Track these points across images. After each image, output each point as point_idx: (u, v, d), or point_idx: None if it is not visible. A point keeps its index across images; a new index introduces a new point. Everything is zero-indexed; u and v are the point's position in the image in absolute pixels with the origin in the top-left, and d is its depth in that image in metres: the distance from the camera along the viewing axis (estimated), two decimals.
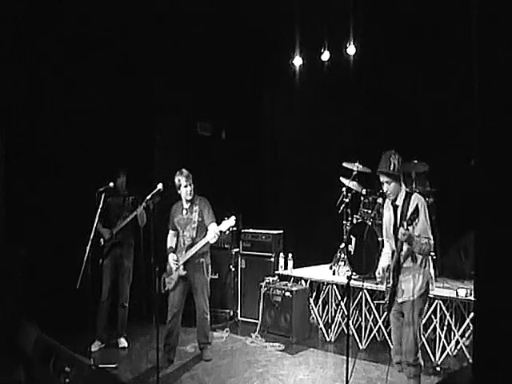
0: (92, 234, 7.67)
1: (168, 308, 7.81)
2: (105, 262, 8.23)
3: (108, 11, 8.84)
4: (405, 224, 5.45)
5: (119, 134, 9.43)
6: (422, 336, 7.60)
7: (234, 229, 10.26)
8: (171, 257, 7.78)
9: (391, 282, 5.70)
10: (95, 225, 7.74)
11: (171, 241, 7.98)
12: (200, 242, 7.57)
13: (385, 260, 5.93)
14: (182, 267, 7.69)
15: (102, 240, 8.15)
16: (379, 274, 5.95)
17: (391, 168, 5.62)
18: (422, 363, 5.85)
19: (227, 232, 7.65)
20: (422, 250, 5.43)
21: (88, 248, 7.49)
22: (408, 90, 9.37)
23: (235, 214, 8.79)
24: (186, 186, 7.66)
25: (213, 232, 7.44)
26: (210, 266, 7.95)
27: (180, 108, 10.73)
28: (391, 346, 6.19)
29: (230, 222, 7.44)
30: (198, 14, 9.76)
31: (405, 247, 5.57)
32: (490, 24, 2.55)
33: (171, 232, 8.00)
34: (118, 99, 9.46)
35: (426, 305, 5.93)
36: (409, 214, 5.46)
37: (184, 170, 7.69)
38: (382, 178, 5.74)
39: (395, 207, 5.71)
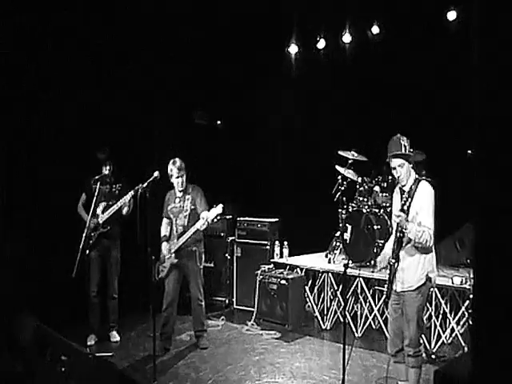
0: (87, 222, 7.68)
1: (163, 297, 7.82)
2: (92, 253, 8.00)
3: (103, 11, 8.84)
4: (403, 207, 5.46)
5: (114, 123, 9.39)
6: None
7: (230, 217, 10.28)
8: (164, 245, 7.80)
9: (390, 269, 5.68)
10: (90, 213, 7.73)
11: (165, 229, 7.99)
12: (190, 230, 7.57)
13: (389, 246, 5.87)
14: (173, 255, 7.70)
15: (88, 230, 7.95)
16: (380, 260, 5.93)
17: (403, 150, 5.56)
18: (424, 355, 5.86)
19: (215, 220, 7.62)
20: (418, 237, 5.36)
21: (83, 237, 7.49)
22: (405, 78, 9.37)
23: (232, 203, 8.81)
24: (177, 177, 7.66)
25: (202, 219, 7.44)
26: (203, 254, 7.95)
27: (176, 96, 10.68)
28: (387, 336, 6.17)
29: (217, 210, 7.43)
30: (198, 14, 9.75)
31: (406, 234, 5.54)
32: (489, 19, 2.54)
33: (165, 220, 8.01)
34: (114, 88, 9.41)
35: (426, 300, 5.84)
36: (413, 200, 5.44)
37: (177, 160, 7.67)
38: (395, 163, 5.59)
39: (402, 192, 5.66)
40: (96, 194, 7.79)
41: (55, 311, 7.50)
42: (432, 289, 5.82)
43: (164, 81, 10.40)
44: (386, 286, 5.78)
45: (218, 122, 12.31)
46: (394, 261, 5.59)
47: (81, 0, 8.70)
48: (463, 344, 7.27)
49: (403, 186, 5.67)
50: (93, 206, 7.78)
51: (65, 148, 8.88)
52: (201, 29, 10.21)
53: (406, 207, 5.40)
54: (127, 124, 9.62)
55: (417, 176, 5.66)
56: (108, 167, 8.03)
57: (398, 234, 5.57)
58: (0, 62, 7.78)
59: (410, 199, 5.43)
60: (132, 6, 9.14)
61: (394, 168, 5.63)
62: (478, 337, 2.72)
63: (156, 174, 7.05)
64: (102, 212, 8.04)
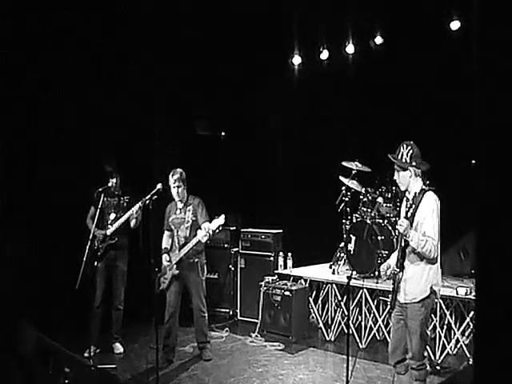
0: (91, 234, 7.67)
1: (165, 308, 7.80)
2: (99, 264, 8.03)
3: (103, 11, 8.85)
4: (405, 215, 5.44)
5: (117, 134, 9.40)
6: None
7: (233, 228, 10.27)
8: (164, 257, 7.80)
9: (394, 279, 5.64)
10: (94, 225, 7.73)
11: (166, 241, 7.99)
12: (192, 241, 7.56)
13: (394, 256, 5.83)
14: (174, 266, 7.68)
15: (96, 242, 8.01)
16: (383, 269, 5.88)
17: (398, 157, 5.56)
18: (429, 368, 5.79)
19: (217, 231, 7.60)
20: (421, 246, 5.31)
21: (87, 248, 7.49)
22: (408, 88, 9.36)
23: (235, 214, 8.80)
24: (174, 187, 7.66)
25: (203, 231, 7.43)
26: (205, 266, 7.94)
27: (178, 107, 10.69)
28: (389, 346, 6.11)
29: (219, 221, 7.42)
30: (198, 14, 9.75)
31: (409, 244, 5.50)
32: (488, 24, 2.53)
33: (166, 232, 8.00)
34: (116, 98, 9.43)
35: (430, 313, 5.78)
36: (418, 210, 5.42)
37: (177, 170, 7.68)
38: (394, 166, 5.67)
39: (407, 200, 5.64)
40: (100, 206, 7.79)
41: (56, 321, 7.50)
42: (436, 300, 5.74)
43: (166, 91, 10.41)
44: (390, 296, 5.74)
45: (222, 133, 12.28)
46: (397, 270, 5.55)
47: (81, 0, 8.69)
48: (468, 355, 7.23)
49: (405, 192, 5.67)
50: (96, 217, 7.78)
51: (65, 148, 8.89)
52: (203, 32, 10.23)
53: (409, 215, 5.38)
54: (130, 135, 9.63)
55: (423, 186, 5.62)
56: (114, 180, 8.05)
57: (402, 244, 5.53)
58: (0, 62, 7.80)
59: (413, 208, 5.40)
60: (132, 5, 9.12)
61: (396, 170, 5.66)
62: (479, 337, 2.70)
63: (159, 186, 7.06)
64: (111, 224, 8.05)
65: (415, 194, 5.50)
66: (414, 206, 5.42)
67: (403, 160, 5.54)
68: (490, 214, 2.55)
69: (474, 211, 2.64)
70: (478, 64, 2.52)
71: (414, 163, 5.53)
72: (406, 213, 5.42)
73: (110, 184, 8.02)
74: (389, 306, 5.99)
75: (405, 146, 5.60)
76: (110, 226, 8.05)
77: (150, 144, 10.32)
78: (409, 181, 5.59)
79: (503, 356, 2.54)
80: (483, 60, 2.55)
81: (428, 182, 8.22)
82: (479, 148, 2.59)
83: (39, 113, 8.63)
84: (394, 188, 8.44)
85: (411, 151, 5.55)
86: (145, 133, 10.16)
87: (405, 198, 5.79)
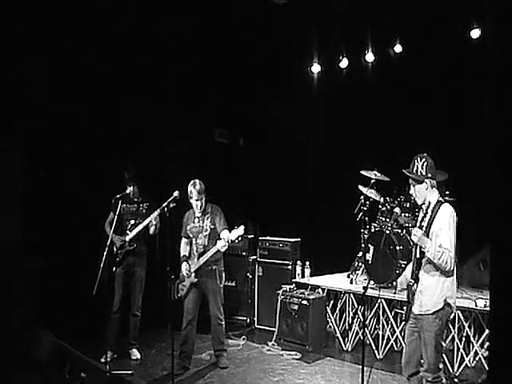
0: (109, 240, 7.69)
1: (183, 315, 7.79)
2: (117, 270, 8.10)
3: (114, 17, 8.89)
4: (424, 227, 5.42)
5: (136, 142, 9.44)
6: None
7: (251, 236, 10.26)
8: (184, 265, 7.81)
9: (409, 291, 5.60)
10: (111, 231, 7.75)
11: (184, 249, 8.00)
12: (211, 250, 7.59)
13: (410, 268, 5.80)
14: (193, 274, 7.69)
15: (114, 248, 8.07)
16: (401, 282, 5.86)
17: (414, 170, 5.54)
18: (444, 380, 5.74)
19: (236, 241, 7.60)
20: (437, 257, 5.28)
21: (105, 255, 7.50)
22: (429, 97, 9.32)
23: (253, 222, 8.78)
24: (196, 200, 7.68)
25: (223, 241, 7.44)
26: (223, 273, 7.94)
27: (197, 114, 10.70)
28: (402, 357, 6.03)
29: (239, 231, 7.44)
30: (219, 24, 9.79)
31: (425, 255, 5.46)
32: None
33: (184, 240, 8.02)
34: (135, 105, 9.46)
35: (445, 325, 5.72)
36: (434, 222, 5.39)
37: (197, 183, 7.68)
38: (409, 180, 5.66)
39: (424, 213, 5.61)
40: (118, 212, 7.81)
41: (73, 326, 7.53)
42: (453, 313, 5.68)
43: (185, 99, 10.43)
44: (404, 307, 5.70)
45: (240, 141, 12.28)
46: (412, 281, 5.52)
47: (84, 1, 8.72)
48: (487, 368, 7.15)
49: (421, 204, 5.65)
50: (114, 223, 7.79)
51: (84, 155, 8.94)
52: (225, 50, 10.27)
53: (425, 226, 5.35)
54: (149, 143, 9.68)
55: (440, 198, 5.58)
56: (131, 188, 8.08)
57: (418, 255, 5.49)
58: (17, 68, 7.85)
59: (429, 219, 5.37)
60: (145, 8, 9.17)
61: (411, 184, 5.64)
62: (495, 362, 2.68)
63: (176, 193, 7.07)
64: (129, 230, 8.08)
65: (431, 204, 5.47)
66: (429, 216, 5.40)
67: (419, 173, 5.52)
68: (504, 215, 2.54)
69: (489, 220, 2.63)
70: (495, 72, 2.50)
71: (429, 175, 5.50)
72: (421, 223, 5.40)
73: (127, 191, 8.05)
74: (404, 317, 5.93)
75: (419, 158, 5.58)
76: (128, 232, 8.09)
77: (168, 151, 10.32)
78: (426, 193, 5.56)
79: None
80: (501, 69, 2.53)
81: (448, 192, 8.22)
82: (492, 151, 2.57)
83: (57, 122, 8.64)
84: (412, 198, 8.40)
85: (426, 163, 5.53)
86: (163, 140, 10.16)
87: (421, 210, 5.77)
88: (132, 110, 9.43)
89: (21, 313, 6.44)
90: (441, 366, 5.57)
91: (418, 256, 5.52)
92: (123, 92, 9.38)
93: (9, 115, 7.83)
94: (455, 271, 5.54)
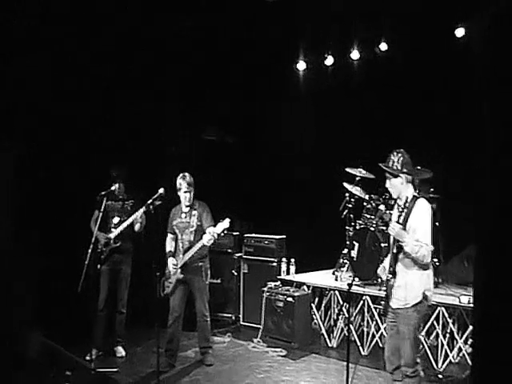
0: (93, 238, 7.67)
1: (169, 312, 7.79)
2: (103, 267, 8.04)
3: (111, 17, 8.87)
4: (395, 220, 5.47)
5: (123, 138, 9.42)
6: (424, 343, 7.59)
7: (237, 233, 10.26)
8: (170, 261, 7.78)
9: (386, 286, 5.65)
10: (96, 229, 7.73)
11: (170, 245, 7.98)
12: (196, 245, 7.57)
13: (387, 262, 5.86)
14: (179, 271, 7.69)
15: (99, 245, 8.04)
16: (380, 272, 5.91)
17: (390, 164, 5.61)
18: (422, 374, 5.77)
19: (222, 234, 7.62)
20: (415, 252, 5.32)
21: (89, 252, 7.48)
22: (414, 95, 9.36)
23: (239, 219, 8.78)
24: (185, 192, 7.67)
25: (208, 235, 7.43)
26: (208, 270, 7.94)
27: (186, 112, 10.69)
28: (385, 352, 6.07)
29: (224, 224, 7.43)
30: (203, 21, 9.79)
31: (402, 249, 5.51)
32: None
33: (170, 235, 8.00)
34: (124, 103, 9.46)
35: (423, 319, 5.77)
36: (410, 216, 5.43)
37: (187, 175, 7.69)
38: (386, 173, 5.72)
39: (399, 208, 5.66)
40: (103, 209, 7.79)
41: (58, 324, 7.50)
42: (428, 304, 5.73)
43: (174, 96, 10.42)
44: (382, 302, 5.74)
45: (229, 138, 12.27)
46: (390, 276, 5.57)
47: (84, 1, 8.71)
48: (470, 363, 7.20)
49: (397, 199, 5.71)
50: (99, 221, 7.77)
51: (70, 152, 8.90)
52: (210, 48, 10.26)
53: (401, 220, 5.40)
54: (136, 140, 9.66)
55: (415, 194, 5.64)
56: (117, 184, 8.05)
57: (395, 250, 5.54)
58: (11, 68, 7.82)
59: (405, 214, 5.42)
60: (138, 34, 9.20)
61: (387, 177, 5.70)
62: (477, 357, 2.71)
63: (161, 190, 7.05)
64: (114, 227, 8.06)
65: (407, 199, 5.51)
66: (405, 211, 5.44)
67: (394, 167, 5.58)
68: (489, 220, 2.57)
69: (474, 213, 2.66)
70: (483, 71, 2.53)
71: (404, 170, 5.57)
72: (398, 217, 5.44)
73: (113, 188, 8.02)
74: (382, 312, 5.97)
75: (395, 153, 5.66)
76: (113, 230, 8.06)
77: (155, 149, 10.31)
78: (401, 188, 5.63)
79: (500, 364, 2.56)
80: (488, 68, 2.56)
81: (432, 190, 8.27)
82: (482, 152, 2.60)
83: (45, 118, 8.61)
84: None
85: (402, 158, 5.61)
86: (151, 137, 10.15)
87: (396, 205, 5.83)
88: (127, 109, 9.43)
89: (20, 313, 6.44)
90: (417, 359, 5.59)
91: (394, 251, 5.56)
92: (121, 91, 9.39)
93: (8, 115, 7.80)
94: (431, 264, 5.59)
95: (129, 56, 9.48)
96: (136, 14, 9.03)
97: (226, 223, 7.44)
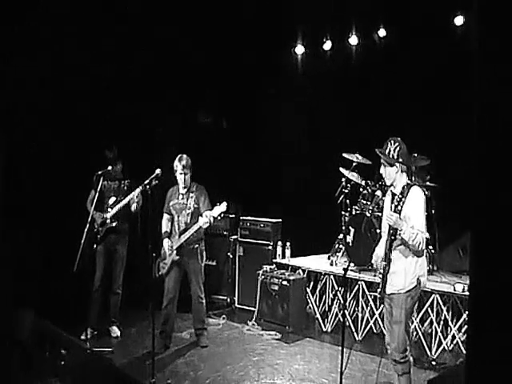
0: (90, 217, 7.67)
1: (164, 294, 7.81)
2: (98, 247, 8.07)
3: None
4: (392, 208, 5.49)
5: (119, 120, 9.39)
6: (418, 330, 7.63)
7: (233, 216, 10.26)
8: (166, 242, 7.80)
9: (382, 272, 5.67)
10: (92, 208, 7.73)
11: (166, 225, 7.99)
12: (193, 227, 7.57)
13: (381, 248, 5.88)
14: (175, 252, 7.70)
15: (95, 225, 8.05)
16: (375, 260, 5.92)
17: (386, 152, 5.60)
18: (412, 360, 5.79)
19: (219, 218, 7.62)
20: (412, 239, 5.34)
21: (85, 232, 7.48)
22: (412, 81, 9.34)
23: (235, 203, 8.77)
24: (181, 174, 7.67)
25: (205, 217, 7.43)
26: (204, 252, 7.95)
27: (181, 96, 10.66)
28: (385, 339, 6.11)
29: (221, 208, 7.44)
30: (199, 4, 9.75)
31: (398, 234, 5.52)
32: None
33: (166, 216, 8.00)
34: (118, 85, 9.43)
35: (416, 304, 5.80)
36: (405, 204, 5.44)
37: (184, 157, 7.68)
38: (381, 160, 5.73)
39: (393, 196, 5.68)
40: (100, 189, 7.78)
41: (53, 304, 7.51)
42: (420, 291, 5.77)
43: (170, 80, 10.37)
44: (378, 290, 5.76)
45: (223, 122, 12.24)
46: (385, 263, 5.59)
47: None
48: (464, 351, 7.24)
49: (390, 187, 5.75)
50: (95, 201, 7.76)
51: (65, 143, 8.87)
52: (206, 29, 10.22)
53: (398, 209, 5.40)
54: (132, 122, 9.63)
55: (408, 181, 5.66)
56: (113, 167, 8.03)
57: (390, 237, 5.56)
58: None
59: (400, 202, 5.42)
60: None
61: (382, 164, 5.71)
62: (472, 345, 2.72)
63: (158, 171, 7.00)
64: (111, 207, 8.05)
65: (403, 189, 5.52)
66: (400, 199, 5.45)
67: (390, 156, 5.59)
68: (483, 208, 2.58)
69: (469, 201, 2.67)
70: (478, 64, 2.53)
71: (400, 160, 5.57)
72: (395, 207, 5.44)
73: (109, 168, 7.99)
74: (378, 300, 6.00)
75: (392, 142, 5.65)
76: (109, 210, 8.06)
77: (151, 131, 10.28)
78: (395, 176, 5.64)
79: (495, 352, 2.57)
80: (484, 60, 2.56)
81: (429, 177, 8.27)
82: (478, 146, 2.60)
83: (37, 97, 8.57)
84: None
85: (398, 148, 5.60)
86: (147, 120, 10.11)
87: (388, 192, 5.85)
88: (116, 90, 9.42)
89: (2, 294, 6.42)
90: (408, 346, 5.62)
91: (390, 238, 5.58)
92: (120, 73, 9.40)
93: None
94: (425, 251, 5.65)
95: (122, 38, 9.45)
96: None
97: (222, 207, 7.44)
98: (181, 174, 7.66)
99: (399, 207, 5.42)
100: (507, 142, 2.48)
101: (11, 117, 7.86)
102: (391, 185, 5.73)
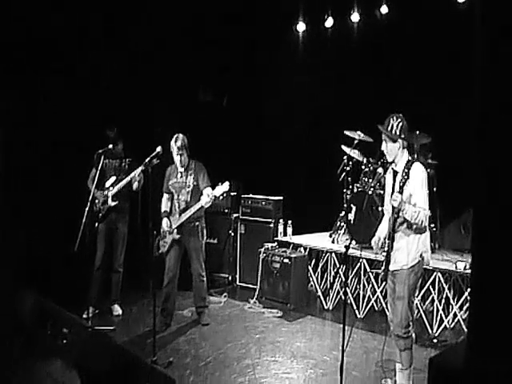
0: (91, 196, 7.64)
1: (164, 272, 7.82)
2: (100, 226, 8.07)
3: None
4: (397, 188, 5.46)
5: (120, 98, 9.34)
6: (420, 308, 7.63)
7: (234, 193, 10.24)
8: (165, 221, 7.79)
9: (386, 250, 5.65)
10: (93, 187, 7.71)
11: (165, 205, 7.96)
12: (194, 206, 7.55)
13: (383, 228, 5.87)
14: (175, 231, 7.68)
15: (96, 203, 8.04)
16: (375, 242, 5.90)
17: (388, 128, 5.57)
18: (414, 336, 5.80)
19: (221, 197, 7.60)
20: (415, 218, 5.34)
21: (86, 211, 7.46)
22: (414, 59, 9.27)
23: (236, 181, 8.73)
24: (177, 155, 7.62)
25: (207, 197, 7.39)
26: (204, 230, 7.92)
27: (181, 73, 10.59)
28: (388, 316, 6.12)
29: (223, 188, 7.37)
30: None
31: (400, 214, 5.51)
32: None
33: (165, 195, 7.97)
34: (120, 64, 9.39)
35: (420, 280, 5.78)
36: (407, 181, 5.42)
37: (179, 137, 7.61)
38: (383, 136, 5.69)
39: (395, 173, 5.65)
40: (101, 167, 7.75)
41: (55, 283, 7.53)
42: (424, 266, 5.76)
43: (168, 57, 10.31)
44: (382, 268, 5.74)
45: (224, 99, 12.18)
46: (389, 241, 5.57)
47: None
48: (465, 329, 7.24)
49: (392, 163, 5.71)
50: (96, 179, 7.74)
51: (65, 128, 8.82)
52: (207, 8, 10.16)
53: (402, 190, 5.38)
54: (132, 101, 9.57)
55: (409, 158, 5.63)
56: (114, 146, 7.99)
57: (394, 216, 5.53)
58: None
59: (402, 179, 5.39)
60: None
61: (384, 140, 5.68)
62: (473, 322, 2.71)
63: (159, 149, 6.94)
64: (112, 186, 8.03)
65: (405, 167, 5.48)
66: (401, 177, 5.42)
67: (393, 132, 5.55)
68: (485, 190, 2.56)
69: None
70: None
71: (403, 136, 5.54)
72: (400, 187, 5.40)
73: (110, 146, 7.95)
74: (381, 277, 5.99)
75: (394, 118, 5.61)
76: (111, 188, 8.03)
77: (151, 109, 10.22)
78: (397, 152, 5.61)
79: (495, 329, 2.56)
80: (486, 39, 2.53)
81: (430, 155, 8.24)
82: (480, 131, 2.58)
83: (37, 79, 8.51)
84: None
85: (401, 124, 5.57)
86: (146, 99, 10.05)
87: (390, 170, 5.81)
88: (114, 68, 9.38)
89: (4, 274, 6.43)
90: (411, 322, 5.61)
91: (393, 216, 5.55)
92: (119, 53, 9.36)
93: None
94: (428, 226, 5.62)
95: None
96: None
97: (225, 186, 7.38)
98: (177, 154, 7.61)
99: (399, 184, 5.40)
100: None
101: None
102: (393, 161, 5.69)
